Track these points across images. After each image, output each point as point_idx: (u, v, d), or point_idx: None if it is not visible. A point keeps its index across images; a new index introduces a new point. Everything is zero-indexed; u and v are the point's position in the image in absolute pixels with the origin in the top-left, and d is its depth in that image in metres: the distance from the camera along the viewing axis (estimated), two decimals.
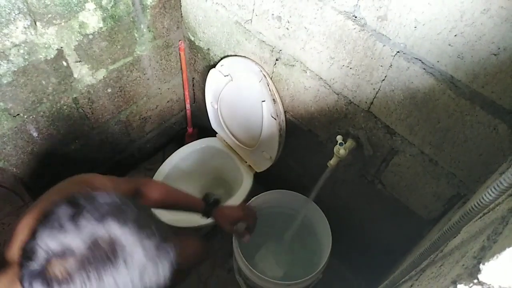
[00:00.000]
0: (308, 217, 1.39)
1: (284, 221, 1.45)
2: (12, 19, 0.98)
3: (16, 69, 1.08)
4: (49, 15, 1.05)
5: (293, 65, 1.11)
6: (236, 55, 1.29)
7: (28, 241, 0.59)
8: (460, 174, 0.90)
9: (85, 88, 1.31)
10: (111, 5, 1.18)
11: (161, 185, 1.08)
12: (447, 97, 0.81)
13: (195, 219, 1.33)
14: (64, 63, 1.18)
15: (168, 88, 1.66)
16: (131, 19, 1.27)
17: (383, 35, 0.84)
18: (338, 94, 1.04)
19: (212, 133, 1.61)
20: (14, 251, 0.66)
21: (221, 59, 1.32)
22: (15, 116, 1.17)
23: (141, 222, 0.61)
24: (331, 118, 1.12)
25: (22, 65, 1.08)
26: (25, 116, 1.20)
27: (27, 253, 0.57)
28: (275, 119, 1.21)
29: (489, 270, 0.37)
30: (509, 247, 0.35)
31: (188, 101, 1.75)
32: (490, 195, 0.45)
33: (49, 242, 0.56)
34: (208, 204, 1.11)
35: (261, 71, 1.19)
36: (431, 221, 1.06)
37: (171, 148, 1.79)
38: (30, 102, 1.18)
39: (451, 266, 0.51)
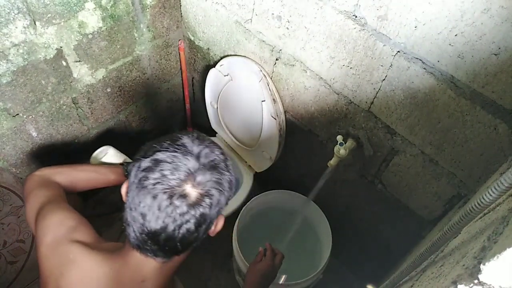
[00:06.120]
0: (308, 217, 1.39)
1: (284, 222, 1.45)
2: (12, 18, 0.98)
3: (15, 69, 1.07)
4: (49, 15, 1.05)
5: (293, 65, 1.11)
6: (236, 55, 1.28)
7: None
8: (461, 174, 0.90)
9: (85, 88, 1.30)
10: (110, 4, 1.17)
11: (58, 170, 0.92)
12: (447, 97, 0.80)
13: None
14: (64, 63, 1.18)
15: (168, 88, 1.66)
16: (131, 19, 1.27)
17: (384, 34, 0.84)
18: (338, 94, 1.04)
19: (212, 133, 1.60)
20: None
21: (221, 58, 1.31)
22: (14, 116, 1.17)
23: None
24: (331, 118, 1.12)
25: (22, 65, 1.08)
26: (25, 116, 1.20)
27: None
28: (275, 119, 1.21)
29: (489, 270, 0.36)
30: (509, 247, 0.35)
31: (187, 101, 1.75)
32: (491, 195, 0.44)
33: None
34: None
35: (261, 70, 1.19)
36: (432, 221, 1.06)
37: None
38: (30, 102, 1.18)
39: (452, 267, 0.51)
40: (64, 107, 1.29)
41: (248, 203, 1.32)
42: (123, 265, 0.64)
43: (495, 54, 0.69)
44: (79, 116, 1.36)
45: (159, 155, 0.57)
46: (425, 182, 1.00)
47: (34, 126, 1.25)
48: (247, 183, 1.48)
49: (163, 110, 1.73)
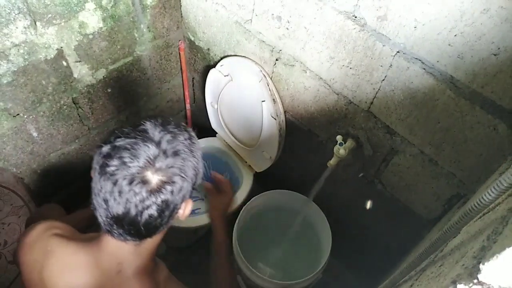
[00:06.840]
0: (308, 217, 1.39)
1: (284, 221, 1.45)
2: (12, 19, 0.98)
3: (16, 69, 1.08)
4: (49, 15, 1.05)
5: (293, 65, 1.11)
6: (236, 55, 1.29)
7: None
8: (460, 174, 0.90)
9: (85, 88, 1.31)
10: (111, 5, 1.17)
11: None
12: (447, 97, 0.81)
13: (191, 220, 1.33)
14: (64, 63, 1.18)
15: (168, 88, 1.66)
16: (131, 19, 1.27)
17: (383, 35, 0.84)
18: (338, 94, 1.04)
19: (212, 133, 1.61)
20: None
21: (221, 59, 1.32)
22: (15, 116, 1.17)
23: None
24: (331, 118, 1.12)
25: (22, 65, 1.08)
26: (25, 116, 1.20)
27: None
28: (275, 119, 1.21)
29: (489, 270, 0.37)
30: (509, 247, 0.35)
31: (188, 101, 1.75)
32: (490, 195, 0.45)
33: None
34: None
35: (261, 71, 1.19)
36: (431, 221, 1.06)
37: None
38: (30, 102, 1.18)
39: (451, 266, 0.51)
40: (65, 107, 1.29)
41: (248, 203, 1.32)
42: (99, 250, 0.65)
43: (495, 54, 0.69)
44: (79, 116, 1.37)
45: (119, 142, 0.57)
46: (424, 182, 1.00)
47: (35, 126, 1.25)
48: (247, 183, 1.48)
49: (163, 110, 1.73)
